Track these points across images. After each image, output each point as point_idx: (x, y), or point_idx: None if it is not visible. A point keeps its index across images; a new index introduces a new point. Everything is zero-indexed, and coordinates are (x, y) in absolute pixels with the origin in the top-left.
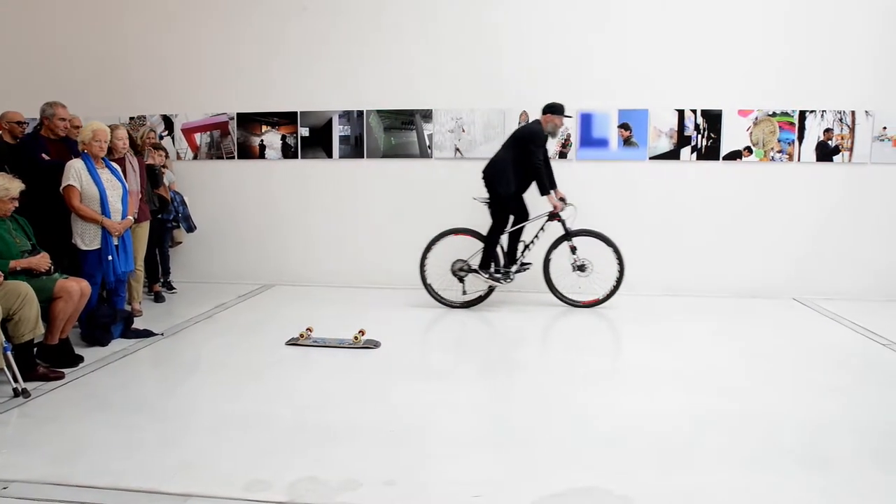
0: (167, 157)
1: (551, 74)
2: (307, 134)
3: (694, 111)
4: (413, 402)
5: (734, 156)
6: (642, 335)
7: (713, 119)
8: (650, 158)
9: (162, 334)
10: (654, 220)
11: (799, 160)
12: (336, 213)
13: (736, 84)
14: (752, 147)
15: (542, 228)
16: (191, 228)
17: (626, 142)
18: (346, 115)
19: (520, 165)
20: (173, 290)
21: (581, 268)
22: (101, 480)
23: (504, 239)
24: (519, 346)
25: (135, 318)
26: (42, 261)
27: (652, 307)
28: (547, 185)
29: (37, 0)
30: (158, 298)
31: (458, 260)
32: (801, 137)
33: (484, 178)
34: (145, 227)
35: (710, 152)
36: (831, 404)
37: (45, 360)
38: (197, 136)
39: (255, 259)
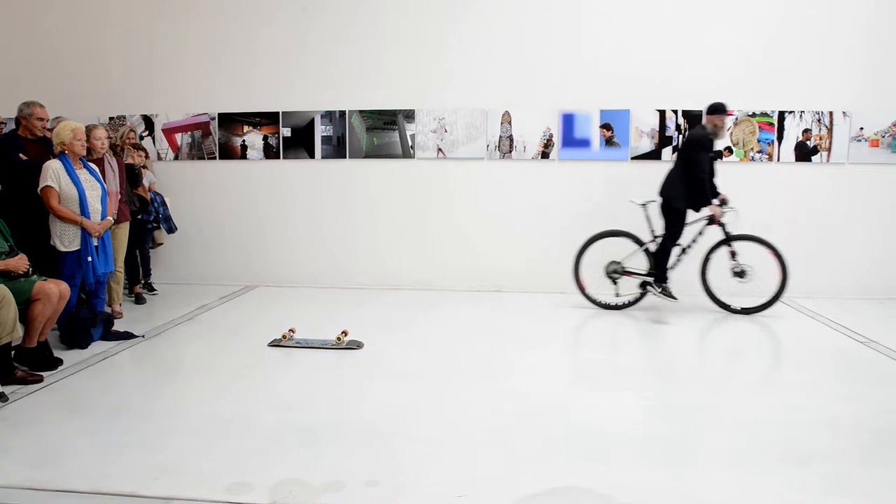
0: (147, 157)
1: (533, 75)
2: (289, 134)
3: (675, 111)
4: (396, 403)
5: (715, 156)
6: (622, 334)
7: (694, 119)
8: (632, 158)
9: (143, 336)
10: (635, 219)
11: (778, 160)
12: (318, 214)
13: (716, 85)
14: (733, 147)
15: (700, 232)
16: (171, 229)
17: (608, 142)
18: (329, 116)
19: (690, 176)
20: (154, 292)
21: (741, 273)
22: (81, 484)
23: (652, 246)
24: (520, 346)
25: (115, 320)
26: (20, 262)
27: (633, 307)
28: (708, 196)
29: None
30: (139, 300)
31: (612, 262)
32: (780, 138)
33: (661, 193)
34: (125, 228)
35: None
36: (811, 401)
37: (24, 364)
38: (178, 137)
39: (237, 260)
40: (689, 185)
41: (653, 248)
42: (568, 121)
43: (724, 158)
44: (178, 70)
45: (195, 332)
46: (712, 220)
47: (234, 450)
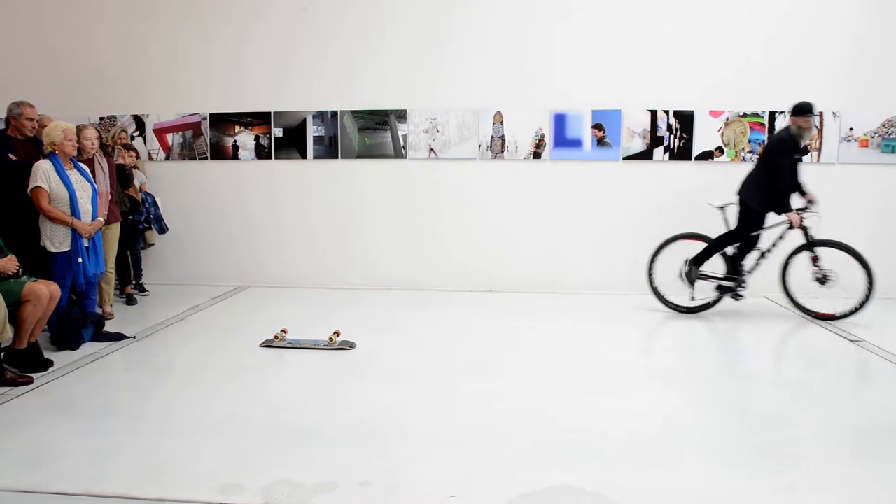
0: (138, 157)
1: (525, 75)
2: (281, 134)
3: (666, 112)
4: (389, 403)
5: (706, 156)
6: (609, 334)
7: (685, 119)
8: (623, 159)
9: (134, 337)
10: (629, 219)
11: None
12: (310, 214)
13: (707, 85)
14: (724, 147)
15: (780, 236)
16: (163, 230)
17: (600, 142)
18: (320, 116)
19: (770, 180)
20: (145, 293)
21: (822, 280)
22: (73, 487)
23: (730, 250)
24: (512, 346)
25: (106, 321)
26: (9, 263)
27: (624, 306)
28: (787, 203)
29: None
30: (130, 301)
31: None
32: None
33: (739, 193)
34: (116, 229)
35: (682, 152)
36: (802, 400)
37: (14, 365)
38: (169, 137)
39: (229, 261)
40: (770, 187)
41: (730, 251)
42: (560, 121)
43: (716, 158)
44: (170, 70)
45: (187, 333)
46: (793, 225)
47: (226, 450)
